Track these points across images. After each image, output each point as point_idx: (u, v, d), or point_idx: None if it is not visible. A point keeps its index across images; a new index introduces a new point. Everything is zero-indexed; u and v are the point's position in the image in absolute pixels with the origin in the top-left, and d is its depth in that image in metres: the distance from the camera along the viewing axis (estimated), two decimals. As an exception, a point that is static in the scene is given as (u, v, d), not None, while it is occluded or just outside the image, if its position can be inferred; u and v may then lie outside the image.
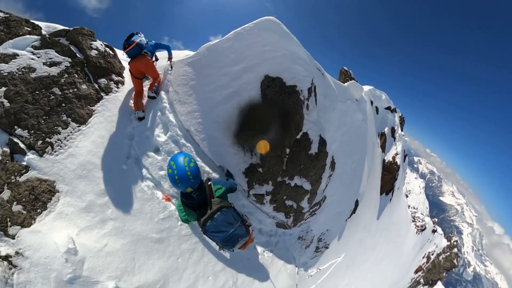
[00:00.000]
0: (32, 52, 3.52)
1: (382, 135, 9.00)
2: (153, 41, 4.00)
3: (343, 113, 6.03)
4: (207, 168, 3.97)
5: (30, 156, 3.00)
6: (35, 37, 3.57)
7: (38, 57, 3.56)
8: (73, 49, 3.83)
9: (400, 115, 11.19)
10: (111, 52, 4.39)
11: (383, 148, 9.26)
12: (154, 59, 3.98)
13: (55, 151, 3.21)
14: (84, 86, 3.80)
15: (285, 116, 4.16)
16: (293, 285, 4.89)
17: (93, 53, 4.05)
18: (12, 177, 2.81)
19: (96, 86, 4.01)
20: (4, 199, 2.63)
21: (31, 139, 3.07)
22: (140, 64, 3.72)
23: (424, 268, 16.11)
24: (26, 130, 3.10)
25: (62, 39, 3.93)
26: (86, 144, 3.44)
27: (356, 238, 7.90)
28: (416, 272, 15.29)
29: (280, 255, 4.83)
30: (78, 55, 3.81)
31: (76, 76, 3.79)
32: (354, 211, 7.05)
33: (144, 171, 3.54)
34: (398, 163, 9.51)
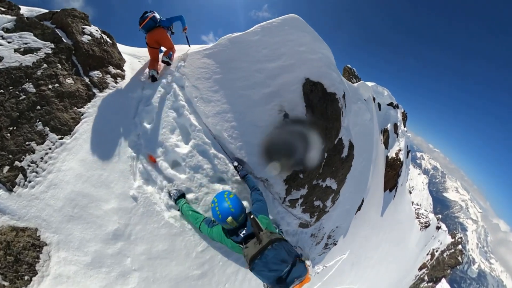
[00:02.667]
0: (1, 36, 2.70)
1: (385, 132, 9.46)
2: (165, 18, 4.26)
3: (355, 114, 6.39)
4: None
5: None
6: (9, 17, 2.79)
7: (9, 42, 2.73)
8: (58, 32, 3.03)
9: (403, 111, 11.61)
10: (109, 40, 3.63)
11: (386, 144, 9.74)
12: (169, 33, 4.34)
13: (29, 181, 2.33)
14: (69, 80, 2.96)
15: (327, 124, 4.27)
16: (312, 282, 5.06)
17: (85, 38, 3.24)
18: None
19: (87, 80, 3.17)
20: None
21: None
22: (156, 35, 3.95)
23: (428, 265, 16.77)
24: None
25: (46, 22, 3.19)
26: (72, 165, 2.55)
27: (360, 235, 8.29)
28: (420, 269, 15.92)
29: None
30: (64, 40, 3.01)
31: (59, 66, 2.93)
32: (359, 208, 7.43)
33: (164, 197, 2.79)
34: (401, 159, 9.99)
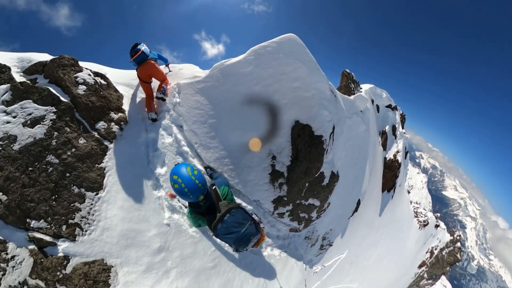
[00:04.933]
0: (4, 112, 2.94)
1: (383, 134, 9.65)
2: (156, 52, 4.58)
3: (349, 128, 6.87)
4: (244, 204, 4.62)
5: (63, 245, 2.99)
6: (3, 87, 3.00)
7: (14, 117, 2.96)
8: (54, 91, 3.33)
9: (401, 112, 11.60)
10: (102, 81, 3.92)
11: (384, 146, 9.99)
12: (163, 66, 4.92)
13: (86, 231, 3.14)
14: (81, 141, 3.40)
15: (309, 164, 4.65)
16: (303, 278, 5.93)
17: (81, 90, 3.52)
18: (58, 273, 2.83)
19: (96, 134, 3.62)
20: (69, 296, 3.06)
21: (53, 228, 2.96)
22: (149, 69, 4.22)
23: (428, 263, 17.33)
24: (42, 220, 2.90)
25: (40, 76, 3.41)
26: (115, 212, 3.41)
27: (359, 235, 8.52)
28: (419, 267, 16.47)
29: (291, 254, 5.92)
30: (62, 99, 3.36)
31: (68, 130, 3.31)
32: (356, 210, 7.49)
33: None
34: (399, 160, 10.20)
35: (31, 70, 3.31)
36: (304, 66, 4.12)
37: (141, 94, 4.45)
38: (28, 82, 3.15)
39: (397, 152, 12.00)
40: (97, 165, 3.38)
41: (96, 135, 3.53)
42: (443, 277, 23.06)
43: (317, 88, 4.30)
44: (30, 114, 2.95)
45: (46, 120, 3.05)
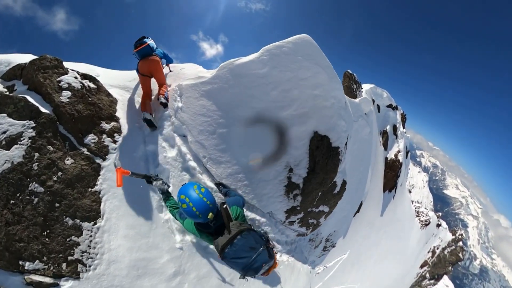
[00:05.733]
0: None
1: (384, 133, 9.67)
2: (162, 50, 4.41)
3: (355, 132, 6.89)
4: (258, 217, 4.45)
5: (67, 285, 2.66)
6: None
7: None
8: (32, 100, 2.71)
9: (402, 112, 11.53)
10: (92, 85, 3.31)
11: (385, 146, 9.90)
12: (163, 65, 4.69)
13: (89, 266, 2.75)
14: (69, 161, 2.79)
15: (325, 176, 4.53)
16: (309, 281, 6.06)
17: (65, 96, 2.88)
18: (63, 317, 2.93)
19: (85, 150, 3.00)
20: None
21: (51, 268, 2.55)
22: (151, 65, 3.96)
23: (430, 263, 17.29)
24: (37, 260, 2.46)
25: (18, 82, 2.81)
26: (119, 242, 3.03)
27: (360, 235, 8.53)
28: (421, 267, 16.44)
29: (298, 258, 5.99)
30: (42, 110, 2.73)
31: (51, 148, 2.69)
32: (358, 210, 7.43)
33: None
34: (401, 160, 10.21)
35: (9, 75, 2.77)
36: (324, 71, 3.77)
37: (139, 99, 3.97)
38: (4, 90, 2.63)
39: (398, 151, 12.04)
40: (90, 189, 2.83)
41: (86, 152, 2.95)
42: (445, 277, 23.13)
43: (335, 97, 4.00)
44: (4, 133, 2.39)
45: (23, 139, 2.47)
